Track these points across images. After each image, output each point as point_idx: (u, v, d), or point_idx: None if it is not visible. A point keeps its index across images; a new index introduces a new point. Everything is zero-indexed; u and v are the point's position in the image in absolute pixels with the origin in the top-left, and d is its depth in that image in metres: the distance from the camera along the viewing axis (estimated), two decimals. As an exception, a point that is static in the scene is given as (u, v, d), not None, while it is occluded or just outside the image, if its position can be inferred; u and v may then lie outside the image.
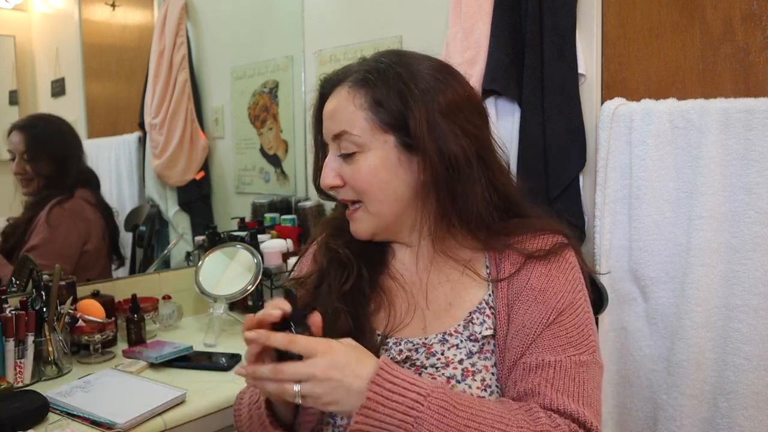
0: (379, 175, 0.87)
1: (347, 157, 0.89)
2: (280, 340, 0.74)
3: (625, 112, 1.35)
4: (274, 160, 2.25)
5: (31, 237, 1.63)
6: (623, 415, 1.38)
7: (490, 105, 1.48)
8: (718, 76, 1.29)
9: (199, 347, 1.54)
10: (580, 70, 1.42)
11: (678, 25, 1.34)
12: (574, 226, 1.41)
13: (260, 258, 1.74)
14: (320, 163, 0.96)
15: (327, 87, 0.94)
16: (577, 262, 0.91)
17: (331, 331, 0.86)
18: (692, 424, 1.25)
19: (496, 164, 0.91)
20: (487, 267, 0.92)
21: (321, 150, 0.97)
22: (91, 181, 1.81)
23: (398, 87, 0.86)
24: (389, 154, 0.87)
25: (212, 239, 1.89)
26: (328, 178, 0.90)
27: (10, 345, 1.28)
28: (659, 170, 1.30)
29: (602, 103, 1.42)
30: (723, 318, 1.23)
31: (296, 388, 0.72)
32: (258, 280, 1.70)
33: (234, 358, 1.46)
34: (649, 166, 1.30)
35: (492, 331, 0.87)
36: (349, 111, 0.88)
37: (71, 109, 1.84)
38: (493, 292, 0.90)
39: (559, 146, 1.41)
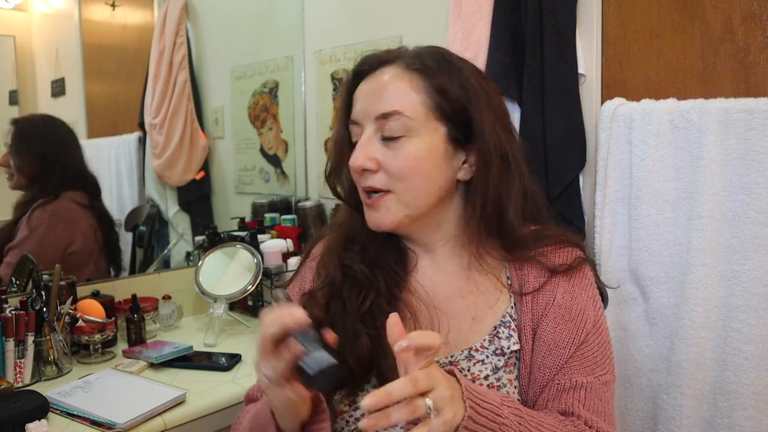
0: (424, 163, 0.83)
1: (391, 140, 0.82)
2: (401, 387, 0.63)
3: (625, 112, 1.35)
4: (274, 160, 2.25)
5: (19, 244, 1.64)
6: (623, 415, 1.38)
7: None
8: (718, 76, 1.29)
9: (199, 347, 1.54)
10: (580, 70, 1.42)
11: (678, 25, 1.34)
12: (574, 226, 1.41)
13: (260, 258, 1.74)
14: (342, 149, 0.89)
15: (369, 65, 0.87)
16: (594, 278, 0.91)
17: (351, 353, 0.82)
18: (692, 424, 1.25)
19: (526, 169, 0.90)
20: (508, 278, 0.90)
21: (345, 134, 0.89)
22: (81, 182, 1.77)
23: (461, 79, 0.84)
24: (437, 144, 0.83)
25: (212, 239, 1.89)
26: (362, 158, 0.82)
27: (10, 345, 1.28)
28: (659, 170, 1.30)
29: (602, 103, 1.42)
30: (723, 318, 1.23)
31: (428, 401, 0.64)
32: (258, 280, 1.70)
33: (234, 358, 1.46)
34: (649, 166, 1.30)
35: (519, 345, 0.85)
36: (404, 91, 0.83)
37: (71, 109, 1.84)
38: (515, 305, 0.88)
39: (559, 146, 1.41)
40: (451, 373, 0.70)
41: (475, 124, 0.84)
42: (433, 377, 0.65)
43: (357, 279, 0.87)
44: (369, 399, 0.60)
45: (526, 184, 0.89)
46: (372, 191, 0.85)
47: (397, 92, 0.83)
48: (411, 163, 0.82)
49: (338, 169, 0.92)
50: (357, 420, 0.84)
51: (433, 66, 0.84)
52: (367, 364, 0.83)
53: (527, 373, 0.84)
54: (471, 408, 0.67)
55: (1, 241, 1.63)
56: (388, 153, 0.82)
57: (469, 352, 0.86)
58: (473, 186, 0.86)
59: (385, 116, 0.82)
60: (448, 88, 0.83)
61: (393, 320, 0.66)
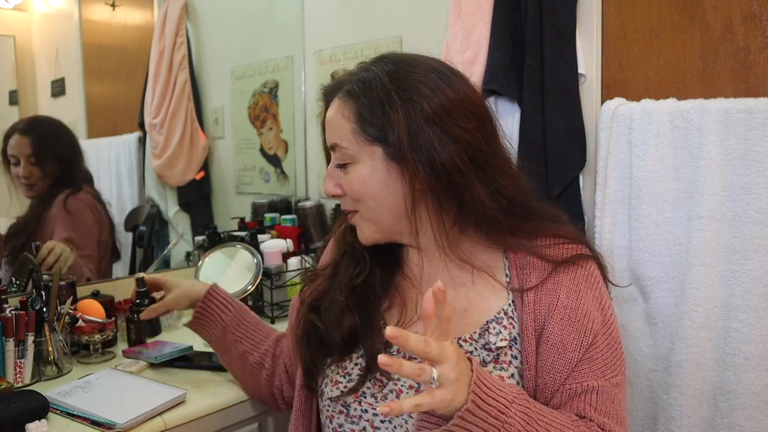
0: (369, 185, 0.87)
1: (342, 167, 0.89)
2: (417, 340, 0.67)
3: (625, 112, 1.35)
4: (274, 160, 2.25)
5: (56, 231, 1.64)
6: (623, 415, 1.38)
7: (490, 105, 1.48)
8: (718, 76, 1.29)
9: (199, 347, 1.54)
10: (580, 70, 1.42)
11: (678, 25, 1.34)
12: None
13: (260, 258, 1.74)
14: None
15: (326, 96, 0.94)
16: (601, 276, 0.90)
17: (335, 328, 0.89)
18: (692, 424, 1.25)
19: (496, 167, 0.87)
20: (507, 275, 0.90)
21: (328, 157, 0.98)
22: (91, 179, 1.82)
23: (379, 98, 0.84)
24: (378, 166, 0.86)
25: (212, 239, 1.89)
26: (329, 186, 0.92)
27: (10, 345, 1.28)
28: (659, 170, 1.30)
29: (602, 103, 1.42)
30: (723, 318, 1.23)
31: (434, 373, 0.67)
32: (258, 280, 1.69)
33: (234, 358, 1.46)
34: (649, 166, 1.30)
35: (507, 342, 0.85)
36: (339, 123, 0.88)
37: (71, 109, 1.84)
38: (513, 301, 0.88)
39: (559, 146, 1.41)
40: (470, 360, 0.71)
41: (391, 143, 0.84)
42: (444, 351, 0.67)
43: (354, 256, 0.94)
44: (390, 329, 0.64)
45: (495, 182, 0.86)
46: (348, 210, 0.93)
47: (334, 125, 0.89)
48: (357, 188, 0.88)
49: None
50: (351, 390, 0.87)
51: (358, 90, 0.86)
52: (350, 339, 0.89)
53: (532, 376, 0.84)
54: (473, 401, 0.68)
55: (23, 238, 1.63)
56: (344, 178, 0.89)
57: (457, 341, 0.86)
58: (417, 195, 0.86)
59: (332, 148, 0.90)
60: (365, 112, 0.85)
61: (429, 296, 0.67)
